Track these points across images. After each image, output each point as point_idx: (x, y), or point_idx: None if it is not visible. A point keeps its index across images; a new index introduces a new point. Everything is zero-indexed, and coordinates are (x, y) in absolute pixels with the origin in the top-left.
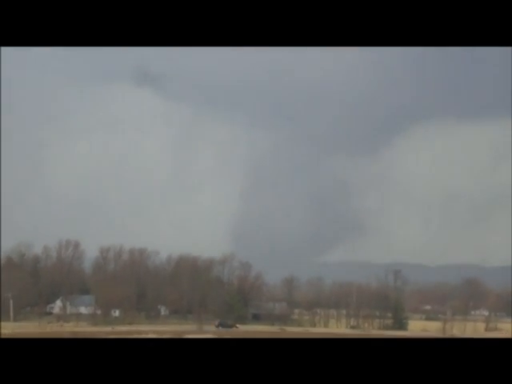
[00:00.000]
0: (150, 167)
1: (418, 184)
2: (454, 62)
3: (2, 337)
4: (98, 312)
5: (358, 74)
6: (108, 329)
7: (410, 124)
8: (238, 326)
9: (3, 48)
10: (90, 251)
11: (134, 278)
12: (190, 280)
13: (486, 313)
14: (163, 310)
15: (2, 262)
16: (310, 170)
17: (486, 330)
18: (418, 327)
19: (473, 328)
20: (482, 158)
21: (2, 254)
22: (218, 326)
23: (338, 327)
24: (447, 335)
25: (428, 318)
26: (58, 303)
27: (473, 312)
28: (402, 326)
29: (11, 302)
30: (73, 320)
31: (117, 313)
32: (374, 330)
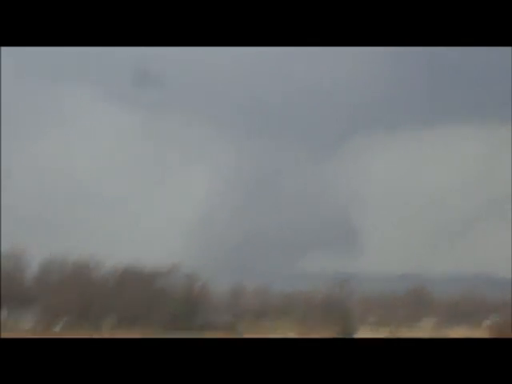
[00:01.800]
0: (97, 174)
1: (375, 189)
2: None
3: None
4: (40, 325)
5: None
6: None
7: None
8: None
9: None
10: (34, 261)
11: (77, 289)
12: (135, 290)
13: (432, 322)
14: (107, 322)
15: None
16: (275, 175)
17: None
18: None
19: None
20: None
21: None
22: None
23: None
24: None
25: (375, 329)
26: None
27: (419, 322)
28: (349, 335)
29: None
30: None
31: (60, 325)
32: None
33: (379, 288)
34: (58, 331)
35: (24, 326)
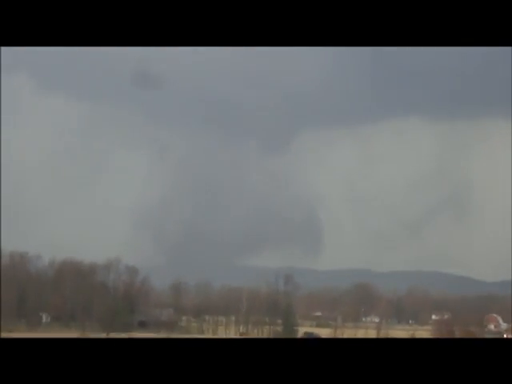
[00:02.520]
0: (32, 165)
1: (327, 186)
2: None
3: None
4: None
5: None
6: None
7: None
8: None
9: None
10: None
11: (14, 283)
12: (73, 285)
13: (377, 319)
14: (45, 317)
15: None
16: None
17: (377, 337)
18: None
19: (364, 335)
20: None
21: None
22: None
23: (226, 334)
24: None
25: (319, 325)
26: None
27: (364, 318)
28: (291, 332)
29: None
30: None
31: None
32: (263, 337)
33: (325, 283)
34: None
35: None
